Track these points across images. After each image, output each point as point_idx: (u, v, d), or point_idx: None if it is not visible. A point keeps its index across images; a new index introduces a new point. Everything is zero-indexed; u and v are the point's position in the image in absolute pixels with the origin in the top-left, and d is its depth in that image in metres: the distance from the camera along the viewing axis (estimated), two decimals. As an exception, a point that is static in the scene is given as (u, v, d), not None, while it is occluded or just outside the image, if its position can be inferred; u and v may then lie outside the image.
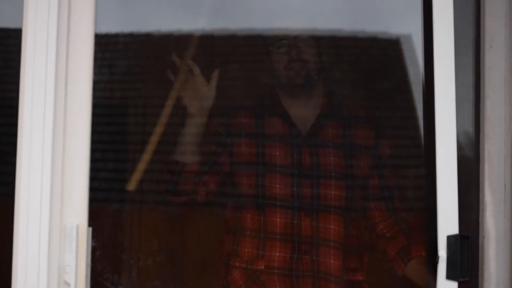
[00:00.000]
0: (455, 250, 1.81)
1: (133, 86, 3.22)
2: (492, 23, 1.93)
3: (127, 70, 3.21)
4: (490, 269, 1.89)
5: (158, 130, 2.37)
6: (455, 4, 1.86)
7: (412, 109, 2.79)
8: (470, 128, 1.99)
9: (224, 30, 3.02)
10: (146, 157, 2.37)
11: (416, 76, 2.97)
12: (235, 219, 2.38)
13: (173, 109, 2.38)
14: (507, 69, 1.92)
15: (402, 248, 2.30)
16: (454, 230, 1.82)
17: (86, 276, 1.81)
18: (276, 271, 2.30)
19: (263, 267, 2.31)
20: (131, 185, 2.36)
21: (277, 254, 2.31)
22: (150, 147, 2.37)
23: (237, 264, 2.35)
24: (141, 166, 2.36)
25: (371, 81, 2.94)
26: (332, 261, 2.31)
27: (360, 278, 2.36)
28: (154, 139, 2.37)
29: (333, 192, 2.33)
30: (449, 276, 1.82)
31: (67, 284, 1.80)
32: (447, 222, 1.83)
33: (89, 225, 1.84)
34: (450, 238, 1.82)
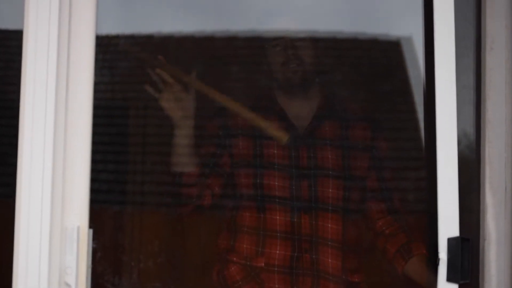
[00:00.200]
0: (455, 252, 1.81)
1: (134, 87, 3.22)
2: (492, 25, 1.93)
3: (128, 71, 3.21)
4: (491, 271, 1.89)
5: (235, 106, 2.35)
6: (456, 5, 1.86)
7: (413, 111, 2.79)
8: (471, 130, 1.99)
9: (225, 32, 3.02)
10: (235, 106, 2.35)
11: (416, 78, 2.97)
12: (234, 217, 2.38)
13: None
14: (508, 70, 1.92)
15: (402, 246, 2.30)
16: (455, 232, 1.82)
17: (87, 277, 1.81)
18: (276, 269, 2.31)
19: (263, 264, 2.31)
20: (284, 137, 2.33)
21: (277, 252, 2.31)
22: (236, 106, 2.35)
23: (234, 259, 2.35)
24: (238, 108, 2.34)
25: (372, 83, 2.94)
26: (330, 260, 2.31)
27: (358, 278, 2.37)
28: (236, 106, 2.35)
29: (330, 190, 2.33)
30: (450, 279, 1.81)
31: (68, 285, 1.80)
32: (448, 224, 1.82)
33: (90, 226, 1.84)
34: (450, 241, 1.82)
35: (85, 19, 1.87)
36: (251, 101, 2.47)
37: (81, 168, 1.84)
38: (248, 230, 2.35)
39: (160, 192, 2.61)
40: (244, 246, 2.34)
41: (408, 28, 3.01)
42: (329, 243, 2.31)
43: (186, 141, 2.33)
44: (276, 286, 2.30)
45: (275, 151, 2.35)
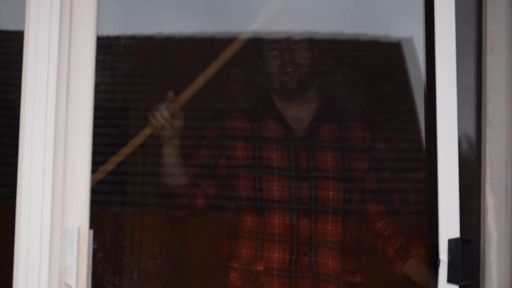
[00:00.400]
0: (456, 253, 1.81)
1: (135, 88, 3.22)
2: (493, 27, 1.93)
3: (129, 72, 3.22)
4: (491, 272, 1.88)
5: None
6: (457, 7, 1.86)
7: (414, 112, 2.80)
8: (471, 131, 1.99)
9: (225, 33, 3.02)
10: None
11: (417, 79, 2.97)
12: (234, 222, 2.38)
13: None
14: (508, 72, 1.92)
15: (400, 247, 2.30)
16: (455, 233, 1.82)
17: (87, 278, 1.81)
18: (275, 272, 2.31)
19: (262, 268, 2.31)
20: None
21: (276, 255, 2.31)
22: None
23: (235, 265, 2.35)
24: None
25: (372, 84, 2.94)
26: (330, 262, 2.31)
27: (358, 279, 2.37)
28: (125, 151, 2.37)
29: (330, 192, 2.33)
30: (450, 280, 1.81)
31: (68, 286, 1.79)
32: (448, 226, 1.82)
33: (90, 227, 1.84)
34: (451, 242, 1.81)
35: (86, 19, 1.87)
36: (250, 103, 2.48)
37: (82, 169, 1.84)
38: (248, 234, 2.35)
39: (159, 194, 2.61)
40: (244, 251, 2.34)
41: (409, 29, 3.01)
42: (329, 245, 2.31)
43: (174, 159, 2.34)
44: (275, 289, 2.30)
45: (274, 155, 2.35)
